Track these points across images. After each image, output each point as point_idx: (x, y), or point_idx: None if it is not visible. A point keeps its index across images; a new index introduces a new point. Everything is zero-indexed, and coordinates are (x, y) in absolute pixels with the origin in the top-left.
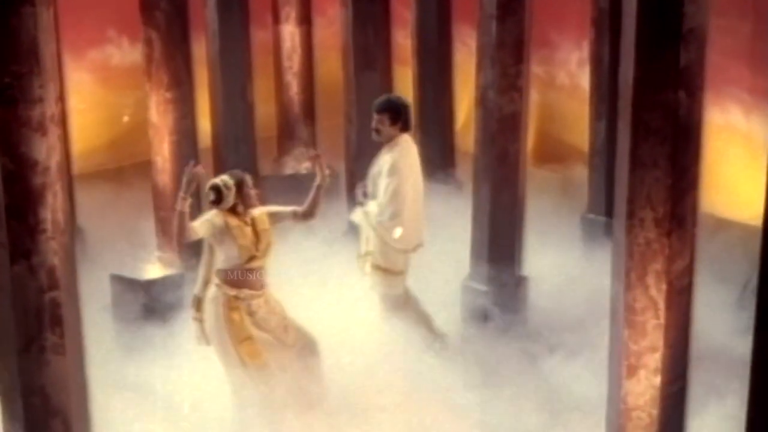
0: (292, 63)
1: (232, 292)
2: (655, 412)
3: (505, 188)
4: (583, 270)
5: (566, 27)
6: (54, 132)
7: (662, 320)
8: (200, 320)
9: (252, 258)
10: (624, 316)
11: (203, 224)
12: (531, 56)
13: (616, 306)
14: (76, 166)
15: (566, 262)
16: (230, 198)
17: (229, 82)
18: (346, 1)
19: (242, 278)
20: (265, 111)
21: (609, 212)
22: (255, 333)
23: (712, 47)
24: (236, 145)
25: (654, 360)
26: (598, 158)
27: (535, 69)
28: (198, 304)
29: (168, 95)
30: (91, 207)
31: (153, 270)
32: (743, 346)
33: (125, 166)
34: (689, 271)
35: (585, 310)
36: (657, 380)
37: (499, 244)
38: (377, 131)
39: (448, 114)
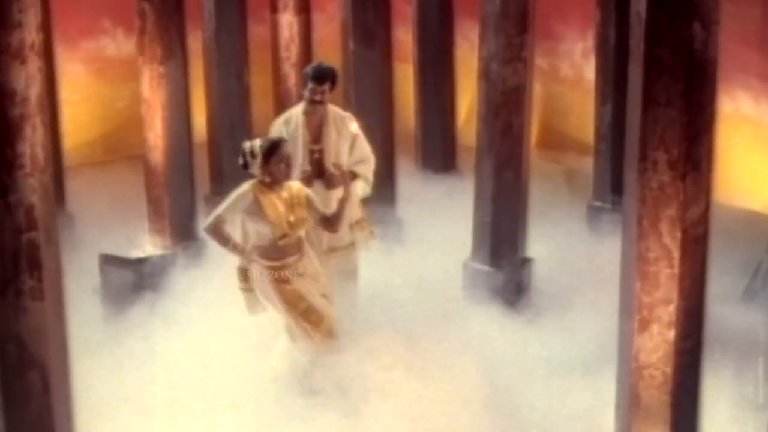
0: (290, 54)
1: (274, 264)
2: (668, 369)
3: (509, 163)
4: (589, 255)
5: (570, 17)
6: (34, 61)
7: (676, 270)
8: (249, 290)
9: (284, 236)
10: (636, 267)
11: (229, 209)
12: (534, 48)
13: (627, 257)
14: (68, 159)
15: (571, 248)
16: (254, 168)
17: (224, 63)
18: None
19: (278, 252)
20: (262, 109)
21: (615, 200)
22: (311, 299)
23: (721, 33)
24: (231, 130)
25: (668, 313)
26: (603, 144)
27: (539, 61)
28: (244, 274)
29: (161, 69)
30: (82, 195)
31: (143, 249)
32: (752, 330)
33: (118, 159)
34: (705, 220)
35: (591, 291)
36: (671, 335)
37: (503, 221)
38: (320, 103)
39: (449, 110)
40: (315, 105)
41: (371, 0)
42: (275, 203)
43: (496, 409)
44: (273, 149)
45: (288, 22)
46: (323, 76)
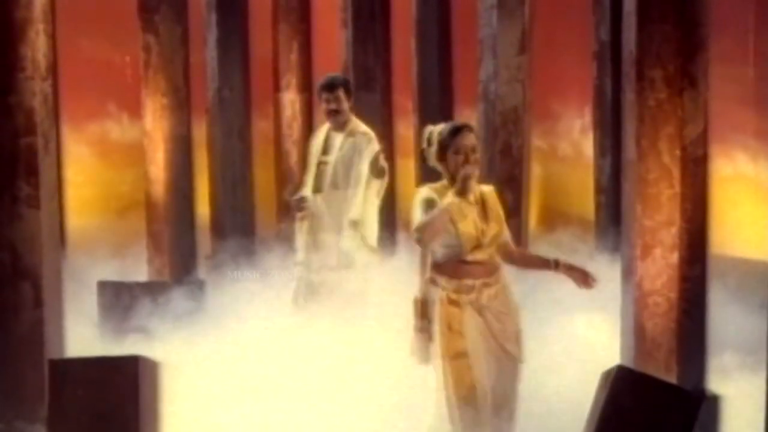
0: (292, 131)
1: (451, 284)
2: (673, 295)
3: (509, 185)
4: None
5: (568, 95)
6: None
7: (677, 189)
8: (423, 330)
9: (477, 247)
10: (636, 190)
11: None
12: (533, 128)
13: (628, 179)
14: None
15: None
16: (430, 157)
17: (226, 122)
18: (346, 22)
19: (463, 268)
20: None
21: (618, 249)
22: (472, 347)
23: (716, 95)
24: (233, 189)
25: (670, 235)
26: (603, 196)
27: (537, 142)
28: (420, 310)
29: (164, 101)
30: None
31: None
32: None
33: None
34: (703, 141)
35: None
36: (674, 258)
37: None
38: (337, 112)
39: None
40: (336, 115)
41: (371, 43)
42: (463, 209)
43: None
44: (453, 134)
45: (290, 100)
46: (334, 83)
